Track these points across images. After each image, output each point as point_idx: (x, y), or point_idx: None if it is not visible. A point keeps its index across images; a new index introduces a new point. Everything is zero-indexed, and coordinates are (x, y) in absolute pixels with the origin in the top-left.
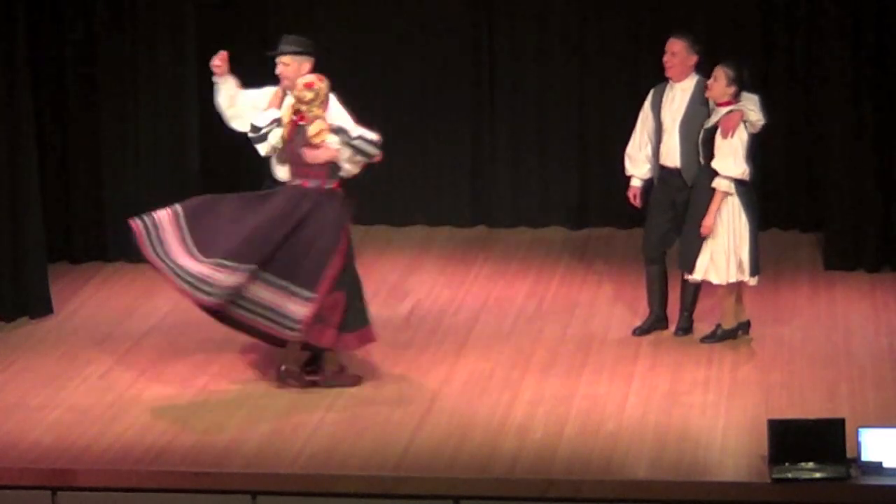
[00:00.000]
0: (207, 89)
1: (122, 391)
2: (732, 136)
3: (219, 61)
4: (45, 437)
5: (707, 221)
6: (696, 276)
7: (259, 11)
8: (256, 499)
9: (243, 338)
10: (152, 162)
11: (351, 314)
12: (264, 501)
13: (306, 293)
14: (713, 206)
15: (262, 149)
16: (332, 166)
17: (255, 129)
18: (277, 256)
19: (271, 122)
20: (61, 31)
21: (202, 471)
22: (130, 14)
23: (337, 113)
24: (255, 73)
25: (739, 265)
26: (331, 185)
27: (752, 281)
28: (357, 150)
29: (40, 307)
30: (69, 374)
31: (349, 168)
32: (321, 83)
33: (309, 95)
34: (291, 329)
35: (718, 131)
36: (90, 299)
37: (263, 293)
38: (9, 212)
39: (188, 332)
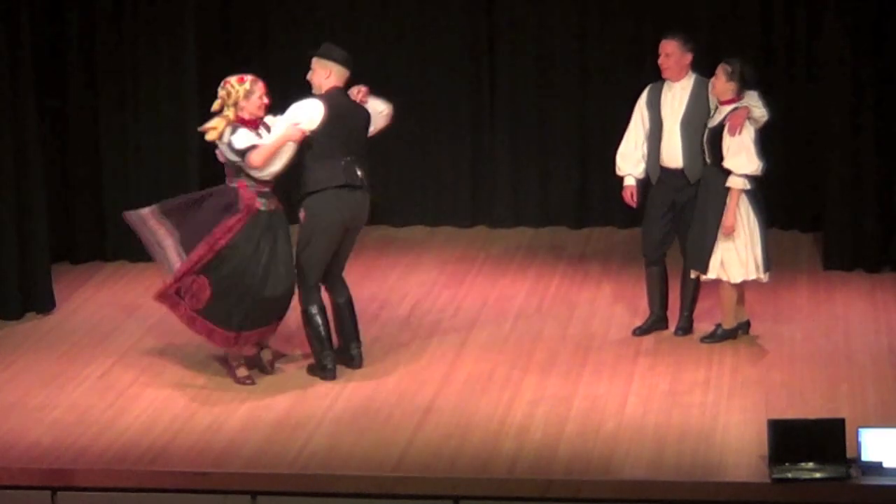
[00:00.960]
0: (207, 90)
1: (122, 391)
2: (740, 132)
3: None
4: (45, 437)
5: (728, 221)
6: (711, 275)
7: (259, 12)
8: (256, 499)
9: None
10: (152, 163)
11: (215, 306)
12: (264, 501)
13: (177, 262)
14: (732, 206)
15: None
16: (234, 167)
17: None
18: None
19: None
20: (62, 33)
21: (202, 471)
22: (131, 16)
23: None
24: (255, 73)
25: (756, 263)
26: (234, 183)
27: (765, 277)
28: (231, 149)
29: (44, 303)
30: (69, 374)
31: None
32: (238, 84)
33: (221, 92)
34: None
35: (726, 129)
36: (90, 299)
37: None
38: (15, 212)
39: (188, 331)
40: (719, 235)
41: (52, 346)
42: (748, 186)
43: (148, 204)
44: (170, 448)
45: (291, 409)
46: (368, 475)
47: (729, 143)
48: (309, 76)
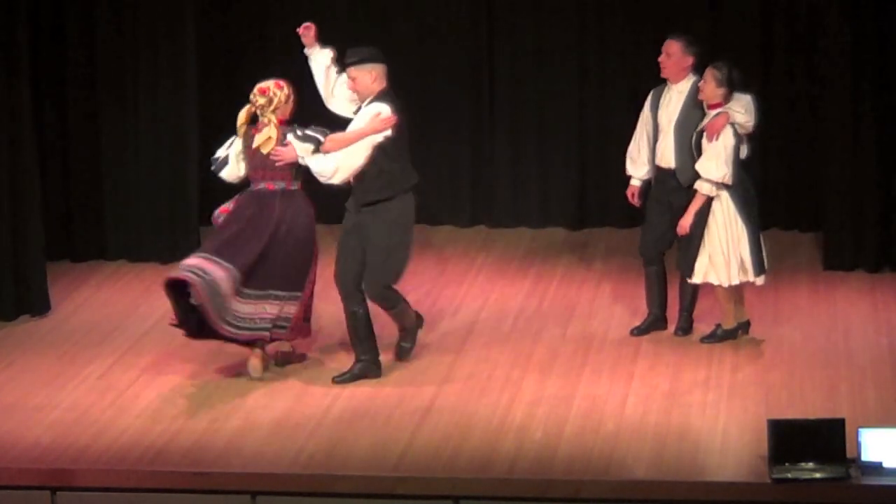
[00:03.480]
0: (207, 89)
1: (122, 391)
2: (717, 138)
3: (303, 29)
4: (44, 437)
5: (683, 221)
6: (696, 279)
7: (259, 13)
8: (256, 499)
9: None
10: (152, 161)
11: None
12: (264, 501)
13: (295, 294)
14: (692, 207)
15: (226, 175)
16: (296, 168)
17: (213, 160)
18: (257, 270)
19: (228, 144)
20: (62, 32)
21: (202, 471)
22: (131, 15)
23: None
24: (255, 73)
25: (741, 266)
26: (295, 186)
27: (759, 280)
28: (305, 139)
29: (39, 304)
30: (69, 374)
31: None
32: (278, 90)
33: (261, 101)
34: (282, 328)
35: (704, 134)
36: (91, 298)
37: (245, 308)
38: (9, 210)
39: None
40: (710, 238)
41: (51, 346)
42: (713, 193)
43: (149, 201)
44: (170, 448)
45: (291, 409)
46: (368, 475)
47: (705, 146)
48: (350, 86)
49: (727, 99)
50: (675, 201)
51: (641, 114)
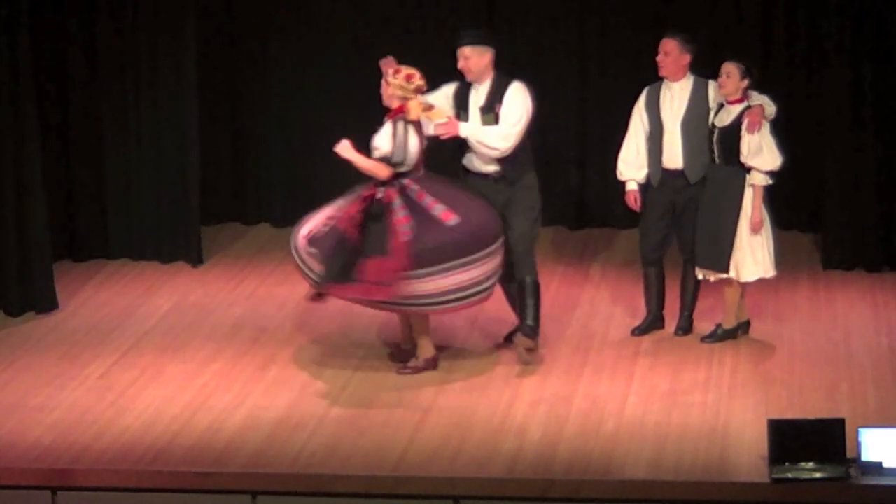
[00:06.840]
0: (208, 88)
1: (122, 391)
2: (760, 129)
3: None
4: (45, 437)
5: (756, 218)
6: (732, 273)
7: (260, 12)
8: (256, 499)
9: (243, 337)
10: (154, 161)
11: None
12: (264, 501)
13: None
14: (758, 203)
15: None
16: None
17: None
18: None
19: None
20: (62, 31)
21: (202, 471)
22: (132, 15)
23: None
24: (256, 73)
25: (770, 260)
26: None
27: (774, 273)
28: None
29: (46, 303)
30: (69, 374)
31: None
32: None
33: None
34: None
35: (744, 128)
36: (91, 298)
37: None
38: (14, 209)
39: (188, 332)
40: (739, 234)
41: (52, 346)
42: (771, 182)
43: (150, 200)
44: (170, 448)
45: (291, 409)
46: (368, 475)
47: (749, 140)
48: (464, 65)
49: (747, 92)
50: (680, 200)
51: (635, 115)
